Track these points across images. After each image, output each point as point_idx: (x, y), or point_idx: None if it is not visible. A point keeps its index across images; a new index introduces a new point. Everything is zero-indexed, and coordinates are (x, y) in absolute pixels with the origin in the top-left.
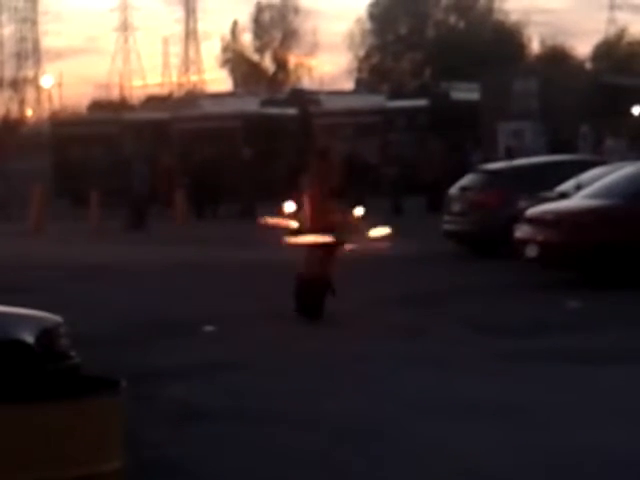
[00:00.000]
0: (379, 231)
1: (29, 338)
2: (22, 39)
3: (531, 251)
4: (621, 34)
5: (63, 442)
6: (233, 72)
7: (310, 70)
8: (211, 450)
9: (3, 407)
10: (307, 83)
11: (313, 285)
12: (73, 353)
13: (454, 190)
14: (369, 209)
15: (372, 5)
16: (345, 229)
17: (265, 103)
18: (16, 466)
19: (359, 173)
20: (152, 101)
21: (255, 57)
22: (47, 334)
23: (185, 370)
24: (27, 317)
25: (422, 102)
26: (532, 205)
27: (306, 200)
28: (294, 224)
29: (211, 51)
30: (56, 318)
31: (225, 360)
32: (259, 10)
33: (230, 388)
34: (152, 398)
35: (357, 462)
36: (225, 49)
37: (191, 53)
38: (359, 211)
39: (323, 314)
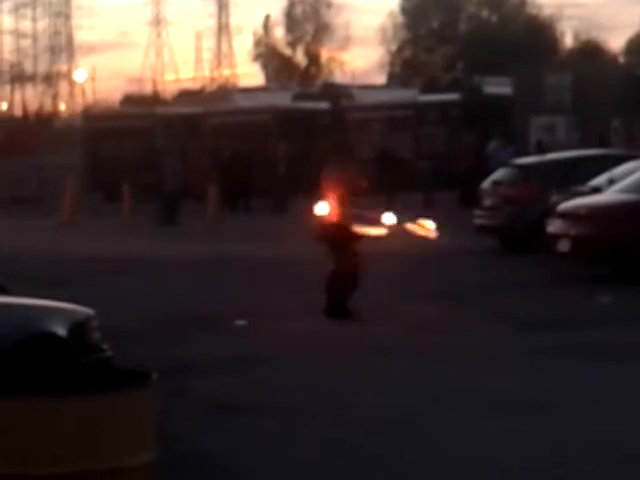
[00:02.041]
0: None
1: (62, 331)
2: (56, 33)
3: (563, 246)
4: None
5: (94, 435)
6: (265, 66)
7: (342, 64)
8: (242, 444)
9: (35, 400)
10: (339, 77)
11: (344, 282)
12: (105, 346)
13: (486, 184)
14: (401, 203)
15: None
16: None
17: (297, 97)
18: (48, 458)
19: (392, 168)
20: (184, 95)
21: (287, 51)
22: (79, 327)
23: (216, 364)
24: (60, 310)
25: (454, 96)
26: (564, 200)
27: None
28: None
29: (243, 45)
30: (88, 311)
31: (256, 354)
32: (291, 4)
33: (261, 382)
34: (183, 392)
35: (388, 457)
36: (257, 43)
37: (223, 47)
38: (388, 219)
39: (348, 312)
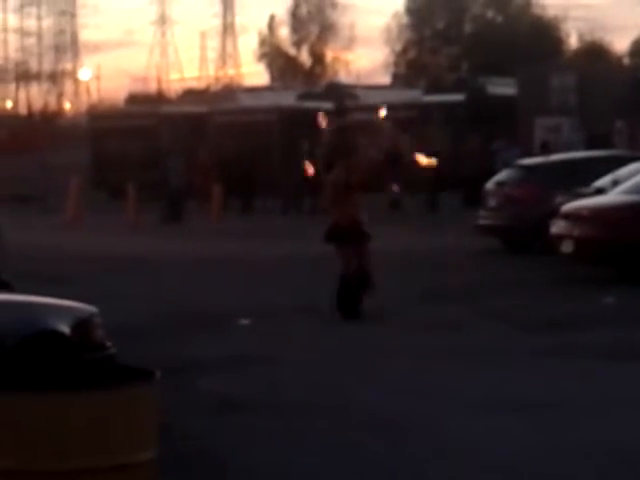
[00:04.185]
0: None
1: (65, 329)
2: (61, 32)
3: (567, 247)
4: None
5: (98, 432)
6: (270, 66)
7: (347, 64)
8: (245, 441)
9: (40, 396)
10: (344, 77)
11: (355, 284)
12: (108, 344)
13: (490, 185)
14: (405, 204)
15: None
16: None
17: (302, 97)
18: (52, 455)
19: (398, 168)
20: (189, 95)
21: (292, 51)
22: (83, 325)
23: (220, 362)
24: (63, 308)
25: (459, 97)
26: (568, 201)
27: (329, 191)
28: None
29: (248, 45)
30: (92, 309)
31: (260, 353)
32: (296, 4)
33: (264, 380)
34: (187, 389)
35: (389, 455)
36: (262, 43)
37: (228, 47)
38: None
39: (361, 312)
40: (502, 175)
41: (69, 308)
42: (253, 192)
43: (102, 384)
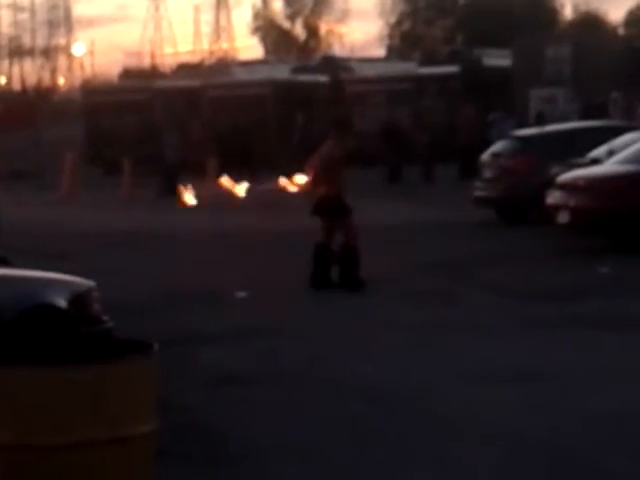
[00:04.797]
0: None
1: (62, 303)
2: (54, 7)
3: (563, 217)
4: None
5: (97, 404)
6: (264, 40)
7: (341, 37)
8: (244, 413)
9: (38, 370)
10: (338, 50)
11: (341, 259)
12: (106, 318)
13: (486, 156)
14: (402, 176)
15: None
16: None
17: (296, 70)
18: (50, 428)
19: (395, 141)
20: (183, 69)
21: (286, 24)
22: (80, 299)
23: (217, 335)
24: (60, 282)
25: (454, 69)
26: (564, 171)
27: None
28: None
29: (242, 19)
30: (89, 283)
31: (257, 326)
32: None
33: (262, 353)
34: (184, 362)
35: (388, 427)
36: (256, 16)
37: (222, 21)
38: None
39: (363, 284)
40: (497, 146)
41: (66, 282)
42: (251, 166)
43: (101, 357)
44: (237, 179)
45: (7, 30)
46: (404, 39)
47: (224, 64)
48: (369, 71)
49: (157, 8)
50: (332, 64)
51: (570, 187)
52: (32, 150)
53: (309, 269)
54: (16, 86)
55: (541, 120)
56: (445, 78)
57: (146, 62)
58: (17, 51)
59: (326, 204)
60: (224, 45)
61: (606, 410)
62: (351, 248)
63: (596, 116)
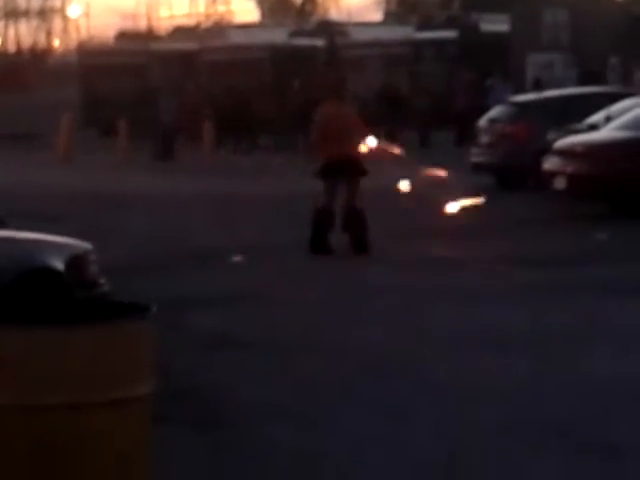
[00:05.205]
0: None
1: (59, 265)
2: None
3: (559, 183)
4: None
5: (92, 366)
6: (261, 3)
7: (337, 2)
8: (239, 378)
9: (33, 332)
10: (335, 15)
11: (344, 221)
12: (102, 280)
13: (483, 122)
14: (399, 141)
15: None
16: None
17: (293, 34)
18: (46, 390)
19: (393, 105)
20: (179, 32)
21: None
22: (76, 261)
23: (214, 299)
24: (57, 244)
25: (451, 34)
26: (561, 137)
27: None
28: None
29: None
30: (85, 245)
31: (253, 290)
32: None
33: (258, 317)
34: (180, 326)
35: (384, 394)
36: None
37: None
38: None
39: (368, 247)
40: (494, 112)
41: (63, 245)
42: (250, 130)
43: (98, 318)
44: (235, 143)
45: None
46: (401, 4)
47: (220, 27)
48: (366, 35)
49: None
50: (329, 28)
51: (567, 153)
52: (27, 112)
53: (308, 233)
54: (11, 48)
55: (538, 86)
56: (442, 43)
57: (142, 25)
58: (12, 13)
59: (343, 165)
60: (220, 8)
61: (610, 375)
62: (360, 210)
63: (593, 82)
